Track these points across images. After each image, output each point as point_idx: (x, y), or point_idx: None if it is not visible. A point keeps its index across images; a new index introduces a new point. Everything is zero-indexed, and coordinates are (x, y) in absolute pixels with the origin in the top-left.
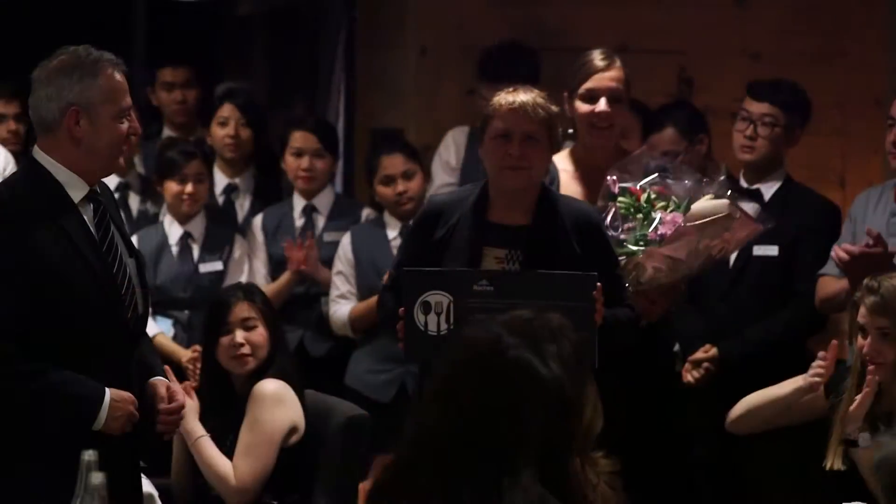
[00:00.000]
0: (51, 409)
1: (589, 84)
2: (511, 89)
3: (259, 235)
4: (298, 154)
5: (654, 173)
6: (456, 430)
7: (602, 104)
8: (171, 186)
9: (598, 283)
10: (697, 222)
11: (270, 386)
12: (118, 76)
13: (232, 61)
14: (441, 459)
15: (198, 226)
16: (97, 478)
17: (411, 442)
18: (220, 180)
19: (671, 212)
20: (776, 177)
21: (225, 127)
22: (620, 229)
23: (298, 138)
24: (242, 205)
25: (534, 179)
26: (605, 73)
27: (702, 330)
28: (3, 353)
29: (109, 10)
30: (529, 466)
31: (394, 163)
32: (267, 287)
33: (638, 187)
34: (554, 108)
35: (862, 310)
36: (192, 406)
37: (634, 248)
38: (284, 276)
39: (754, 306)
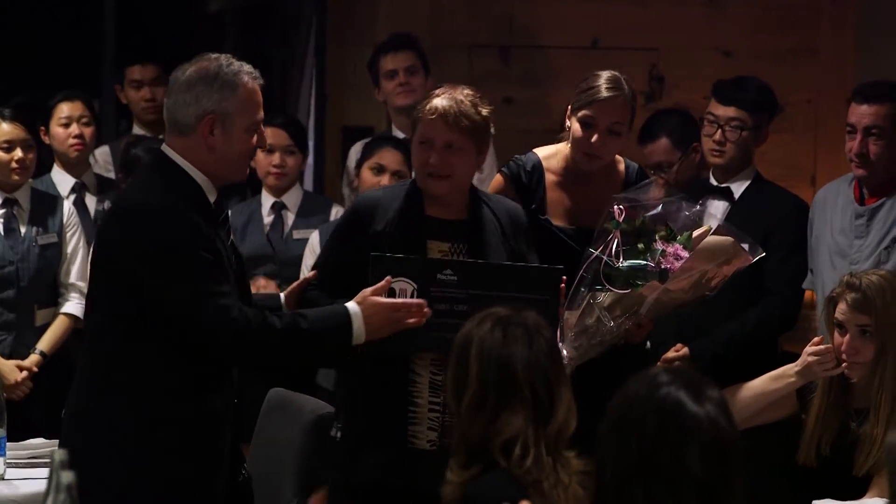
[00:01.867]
0: (316, 350)
1: (590, 111)
2: (442, 92)
3: None
4: (269, 150)
5: (660, 204)
6: (622, 470)
7: (598, 136)
8: None
9: (564, 277)
10: (704, 259)
11: None
12: (255, 89)
13: None
14: (611, 497)
15: None
16: (67, 476)
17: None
18: None
19: (670, 241)
20: (746, 175)
21: None
22: (620, 257)
23: (269, 135)
24: None
25: (458, 185)
26: (608, 104)
27: (673, 329)
28: (249, 317)
29: (79, 6)
30: None
31: (393, 158)
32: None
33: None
34: (484, 112)
35: (842, 306)
36: None
37: (638, 283)
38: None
39: (725, 305)
